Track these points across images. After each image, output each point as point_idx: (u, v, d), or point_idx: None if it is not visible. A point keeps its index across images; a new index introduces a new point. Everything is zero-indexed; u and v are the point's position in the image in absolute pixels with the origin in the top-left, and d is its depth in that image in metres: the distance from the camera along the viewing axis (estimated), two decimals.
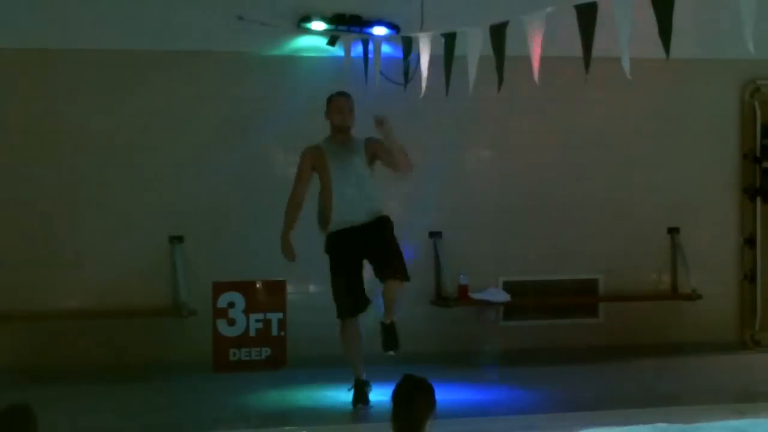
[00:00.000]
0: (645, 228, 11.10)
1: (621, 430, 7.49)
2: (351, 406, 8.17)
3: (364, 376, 8.28)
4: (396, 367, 9.26)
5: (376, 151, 8.33)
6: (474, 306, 10.59)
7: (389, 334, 8.41)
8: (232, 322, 9.94)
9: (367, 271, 8.36)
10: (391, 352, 8.43)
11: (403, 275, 8.20)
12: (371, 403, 8.15)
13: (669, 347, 10.75)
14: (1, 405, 4.43)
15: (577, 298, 11.06)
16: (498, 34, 6.31)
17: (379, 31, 10.10)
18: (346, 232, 8.24)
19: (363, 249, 8.24)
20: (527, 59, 5.99)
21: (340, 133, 8.36)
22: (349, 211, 8.24)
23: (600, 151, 11.01)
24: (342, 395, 8.44)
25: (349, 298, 8.25)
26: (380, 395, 7.96)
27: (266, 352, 9.99)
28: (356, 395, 8.23)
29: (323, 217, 8.36)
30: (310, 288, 10.26)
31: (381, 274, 8.22)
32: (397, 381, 4.65)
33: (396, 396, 4.58)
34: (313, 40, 10.31)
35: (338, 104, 8.38)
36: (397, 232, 10.01)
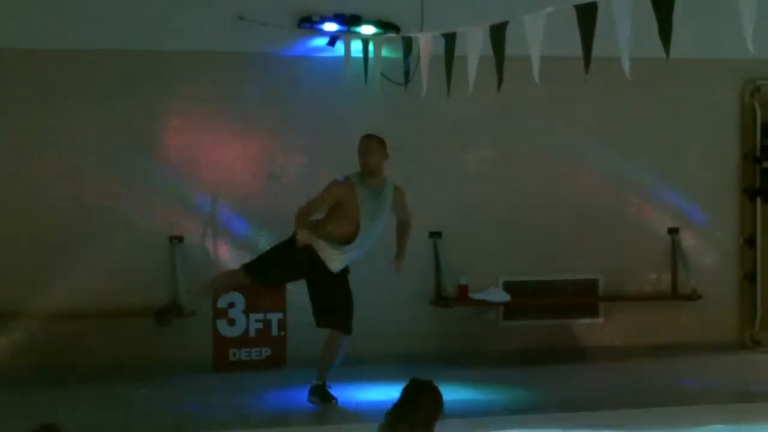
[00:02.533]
0: (645, 228, 11.10)
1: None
2: (341, 406, 8.25)
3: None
4: (396, 368, 9.34)
5: (396, 203, 8.63)
6: (474, 306, 10.59)
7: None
8: (232, 322, 9.94)
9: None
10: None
11: (349, 328, 8.51)
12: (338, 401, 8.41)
13: (669, 347, 10.75)
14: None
15: (577, 298, 11.05)
16: (498, 34, 6.31)
17: (379, 31, 10.10)
18: (320, 263, 8.42)
19: (321, 285, 8.49)
20: (527, 59, 5.99)
21: (369, 176, 8.49)
22: (355, 256, 8.49)
23: (600, 151, 11.01)
24: (342, 395, 8.45)
25: (267, 267, 8.61)
26: (381, 395, 7.97)
27: (266, 352, 9.99)
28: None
29: (328, 236, 8.43)
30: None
31: (325, 320, 8.50)
32: (405, 384, 4.65)
33: (404, 398, 4.58)
34: (313, 40, 10.31)
35: (362, 147, 8.55)
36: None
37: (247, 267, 8.74)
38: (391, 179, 8.63)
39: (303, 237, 8.32)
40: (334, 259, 8.41)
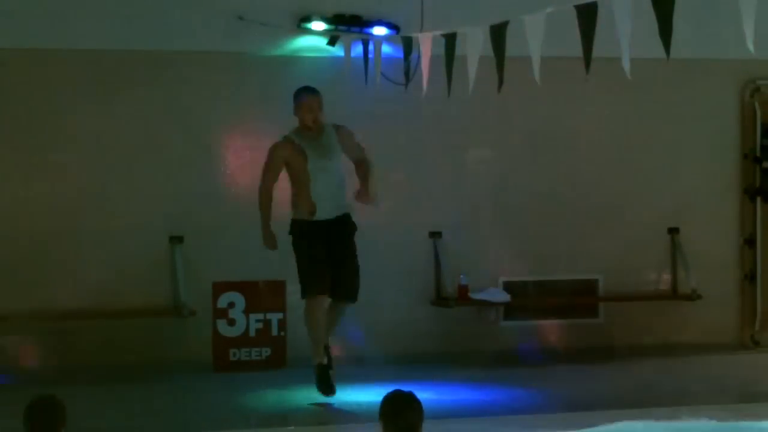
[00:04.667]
0: (645, 228, 11.09)
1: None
2: (341, 406, 8.23)
3: (324, 361, 8.34)
4: (396, 367, 9.35)
5: (345, 146, 8.46)
6: (474, 306, 10.59)
7: (325, 377, 8.36)
8: (232, 322, 9.94)
9: None
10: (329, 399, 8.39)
11: (355, 298, 8.41)
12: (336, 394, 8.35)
13: (669, 347, 10.75)
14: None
15: (577, 298, 11.05)
16: (498, 34, 6.31)
17: (379, 31, 10.10)
18: (317, 224, 8.36)
19: (329, 243, 8.37)
20: (527, 59, 5.99)
21: (308, 129, 8.42)
22: (325, 209, 8.38)
23: (600, 151, 11.01)
24: (342, 395, 8.44)
25: (317, 277, 8.29)
26: (381, 395, 7.95)
27: (266, 352, 9.99)
28: (321, 382, 8.30)
29: (296, 202, 8.44)
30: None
31: (335, 293, 8.36)
32: (385, 395, 4.66)
33: (383, 411, 4.59)
34: (313, 40, 10.31)
35: (309, 104, 8.44)
36: (397, 232, 10.02)
37: (309, 293, 8.34)
38: (329, 121, 8.53)
39: (269, 244, 8.36)
40: (322, 207, 8.36)
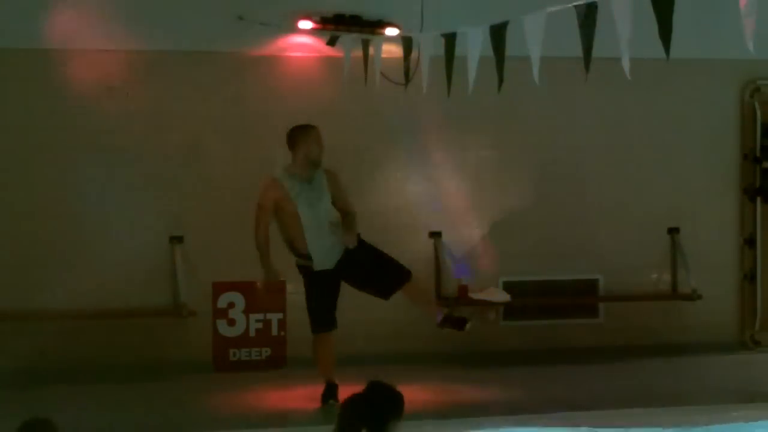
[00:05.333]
0: (645, 228, 11.09)
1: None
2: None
3: (335, 381, 8.43)
4: (396, 368, 9.35)
5: (334, 195, 8.44)
6: (474, 306, 10.59)
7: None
8: (232, 322, 9.95)
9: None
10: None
11: (408, 275, 8.37)
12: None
13: (669, 347, 10.74)
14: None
15: (577, 298, 11.05)
16: (498, 34, 6.31)
17: (379, 31, 10.10)
18: (334, 268, 8.40)
19: (355, 278, 8.44)
20: (527, 59, 5.99)
21: (313, 168, 8.39)
22: (323, 259, 8.37)
23: (600, 151, 11.01)
24: (342, 395, 8.43)
25: (325, 314, 8.39)
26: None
27: (266, 352, 9.99)
28: (329, 394, 8.38)
29: (292, 247, 8.44)
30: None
31: (390, 291, 8.43)
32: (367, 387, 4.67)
33: (359, 397, 4.60)
34: (312, 40, 10.31)
35: (317, 136, 8.42)
36: (397, 232, 10.01)
37: (319, 330, 8.45)
38: (322, 165, 8.51)
39: (271, 276, 8.35)
40: (323, 263, 8.36)
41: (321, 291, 8.43)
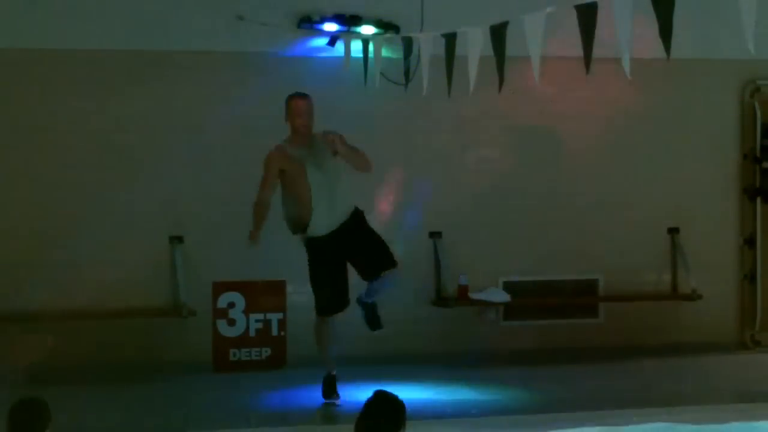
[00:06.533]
0: (645, 228, 11.09)
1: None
2: (341, 406, 8.25)
3: (334, 372, 8.43)
4: (396, 368, 9.35)
5: (335, 147, 8.30)
6: (474, 306, 10.59)
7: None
8: (232, 322, 9.94)
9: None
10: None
11: (393, 263, 8.38)
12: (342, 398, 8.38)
13: (669, 347, 10.75)
14: (6, 403, 4.46)
15: (577, 298, 11.05)
16: (498, 34, 6.31)
17: (379, 31, 10.10)
18: (329, 236, 8.32)
19: (346, 250, 8.37)
20: (527, 59, 5.99)
21: (301, 137, 8.37)
22: (331, 218, 8.34)
23: (600, 151, 11.01)
24: (342, 395, 8.44)
25: (333, 297, 8.36)
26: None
27: (266, 352, 9.99)
28: (329, 388, 8.37)
29: (298, 222, 8.40)
30: (310, 288, 10.25)
31: (372, 273, 8.36)
32: (369, 397, 4.66)
33: (363, 413, 4.60)
34: (313, 40, 10.31)
35: (298, 108, 8.39)
36: (397, 232, 10.00)
37: (324, 312, 8.45)
38: (330, 122, 8.49)
39: (254, 241, 8.31)
40: (320, 227, 8.33)
41: (329, 266, 8.35)
